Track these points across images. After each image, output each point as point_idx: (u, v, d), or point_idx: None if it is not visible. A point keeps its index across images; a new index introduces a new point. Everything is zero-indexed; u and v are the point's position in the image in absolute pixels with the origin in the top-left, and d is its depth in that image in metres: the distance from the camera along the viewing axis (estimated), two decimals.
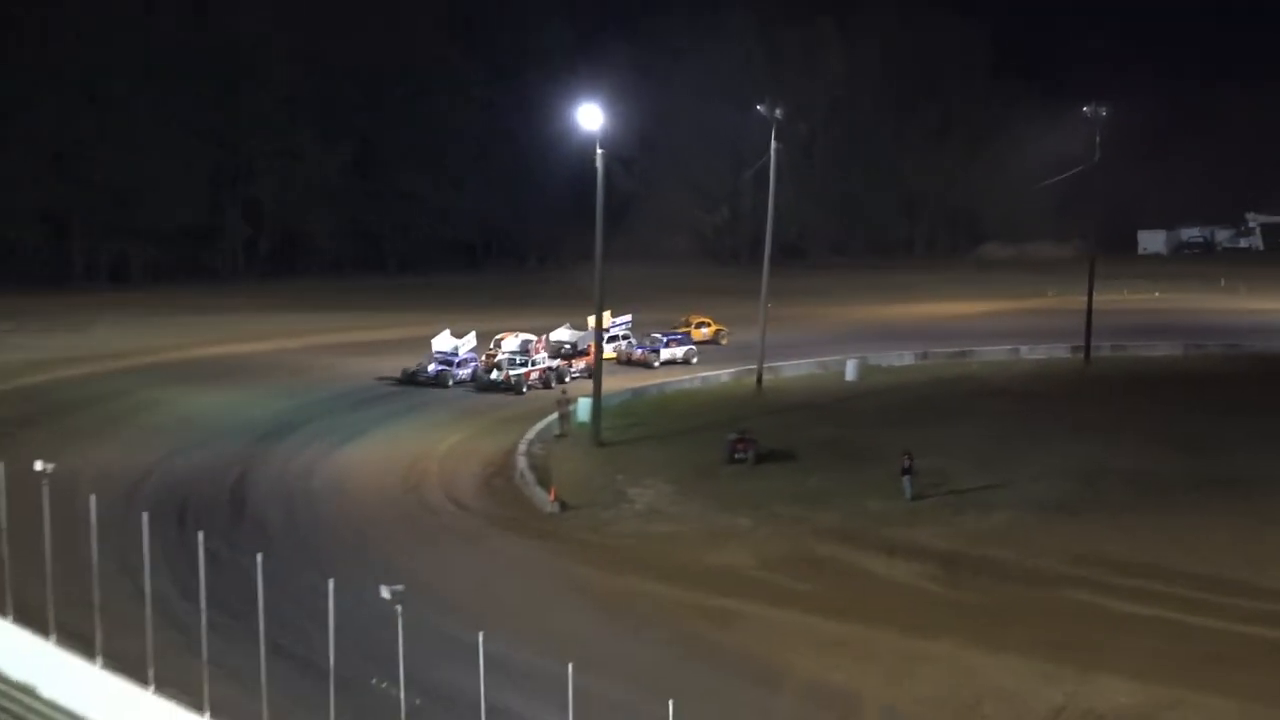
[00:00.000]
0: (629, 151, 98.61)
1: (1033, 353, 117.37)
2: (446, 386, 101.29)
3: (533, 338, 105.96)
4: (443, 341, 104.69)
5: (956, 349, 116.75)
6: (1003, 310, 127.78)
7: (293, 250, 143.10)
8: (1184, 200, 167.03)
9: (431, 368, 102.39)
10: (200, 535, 43.73)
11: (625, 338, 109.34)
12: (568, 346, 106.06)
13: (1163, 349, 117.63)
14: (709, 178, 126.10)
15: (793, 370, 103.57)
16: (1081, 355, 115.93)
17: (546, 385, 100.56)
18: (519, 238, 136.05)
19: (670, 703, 31.61)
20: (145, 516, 44.61)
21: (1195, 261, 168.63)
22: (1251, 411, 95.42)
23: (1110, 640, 54.68)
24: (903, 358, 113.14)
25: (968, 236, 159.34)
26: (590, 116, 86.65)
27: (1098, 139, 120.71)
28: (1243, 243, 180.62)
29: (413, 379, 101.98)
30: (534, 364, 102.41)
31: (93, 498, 46.40)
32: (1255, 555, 64.67)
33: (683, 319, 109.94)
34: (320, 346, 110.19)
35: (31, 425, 79.74)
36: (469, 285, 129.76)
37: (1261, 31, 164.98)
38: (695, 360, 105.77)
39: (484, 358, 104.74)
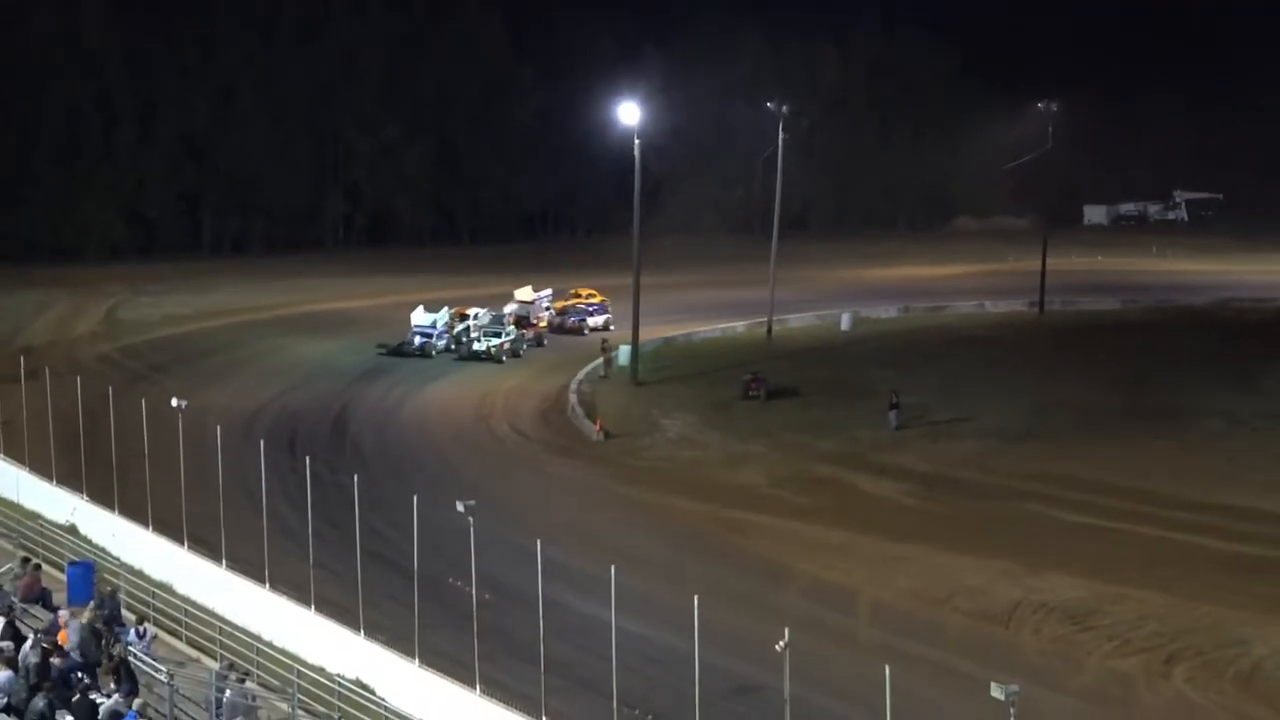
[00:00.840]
0: (661, 141, 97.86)
1: (995, 307, 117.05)
2: (430, 357, 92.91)
3: (506, 311, 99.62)
4: (419, 317, 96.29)
5: (932, 304, 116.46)
6: (971, 273, 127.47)
7: (383, 225, 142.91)
8: (1121, 179, 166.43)
9: (417, 340, 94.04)
10: (307, 459, 43.68)
11: (547, 309, 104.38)
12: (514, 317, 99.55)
13: (1104, 304, 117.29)
14: (727, 162, 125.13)
15: (797, 321, 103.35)
16: (1036, 309, 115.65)
17: (515, 354, 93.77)
18: (571, 213, 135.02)
19: (695, 597, 31.38)
20: (261, 444, 44.54)
21: (1131, 232, 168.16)
22: (1179, 355, 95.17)
23: (1061, 545, 54.69)
24: (888, 311, 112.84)
25: (942, 212, 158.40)
26: (629, 113, 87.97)
27: (1049, 129, 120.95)
28: (1170, 215, 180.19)
29: (399, 351, 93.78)
30: (507, 335, 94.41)
31: (218, 428, 46.39)
32: (1183, 474, 64.66)
33: (570, 291, 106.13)
34: (405, 304, 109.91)
35: (168, 370, 79.87)
36: (529, 252, 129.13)
37: (1188, 38, 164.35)
38: (613, 327, 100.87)
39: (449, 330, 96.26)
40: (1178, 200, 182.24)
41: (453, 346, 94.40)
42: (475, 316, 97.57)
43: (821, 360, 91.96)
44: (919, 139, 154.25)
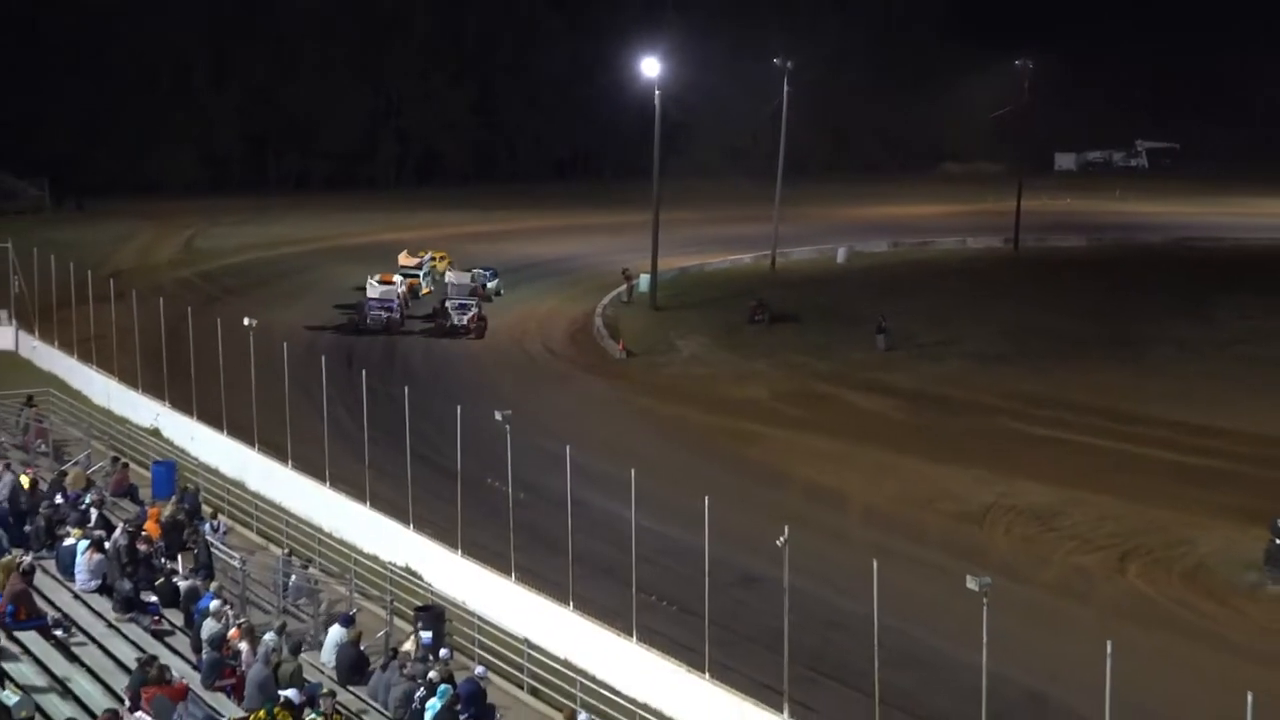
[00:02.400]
0: (679, 91, 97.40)
1: (975, 243, 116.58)
2: (391, 333, 75.30)
3: (469, 281, 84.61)
4: (373, 290, 79.62)
5: (919, 240, 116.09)
6: (954, 212, 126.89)
7: (429, 165, 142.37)
8: (1089, 129, 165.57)
9: (373, 313, 75.81)
10: (363, 373, 43.91)
11: (428, 274, 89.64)
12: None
13: (1072, 241, 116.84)
14: (739, 112, 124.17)
15: (798, 255, 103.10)
16: (1012, 245, 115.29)
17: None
18: (599, 156, 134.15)
19: (706, 498, 31.60)
20: (323, 359, 44.71)
21: (1097, 177, 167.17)
22: (1138, 288, 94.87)
23: (1030, 456, 54.88)
24: (879, 246, 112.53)
25: (930, 157, 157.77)
26: (650, 67, 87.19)
27: (1025, 84, 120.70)
28: (1132, 163, 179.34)
29: (359, 329, 75.36)
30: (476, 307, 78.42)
31: (285, 345, 46.59)
32: (1139, 394, 64.67)
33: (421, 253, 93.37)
34: (450, 236, 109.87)
35: (240, 292, 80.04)
36: (561, 192, 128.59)
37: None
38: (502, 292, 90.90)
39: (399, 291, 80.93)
40: (1139, 149, 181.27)
41: (440, 321, 77.06)
42: (449, 286, 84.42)
43: (819, 289, 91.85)
44: (910, 92, 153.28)
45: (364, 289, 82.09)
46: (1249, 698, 22.41)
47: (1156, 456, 55.00)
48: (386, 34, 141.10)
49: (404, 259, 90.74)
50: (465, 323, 76.50)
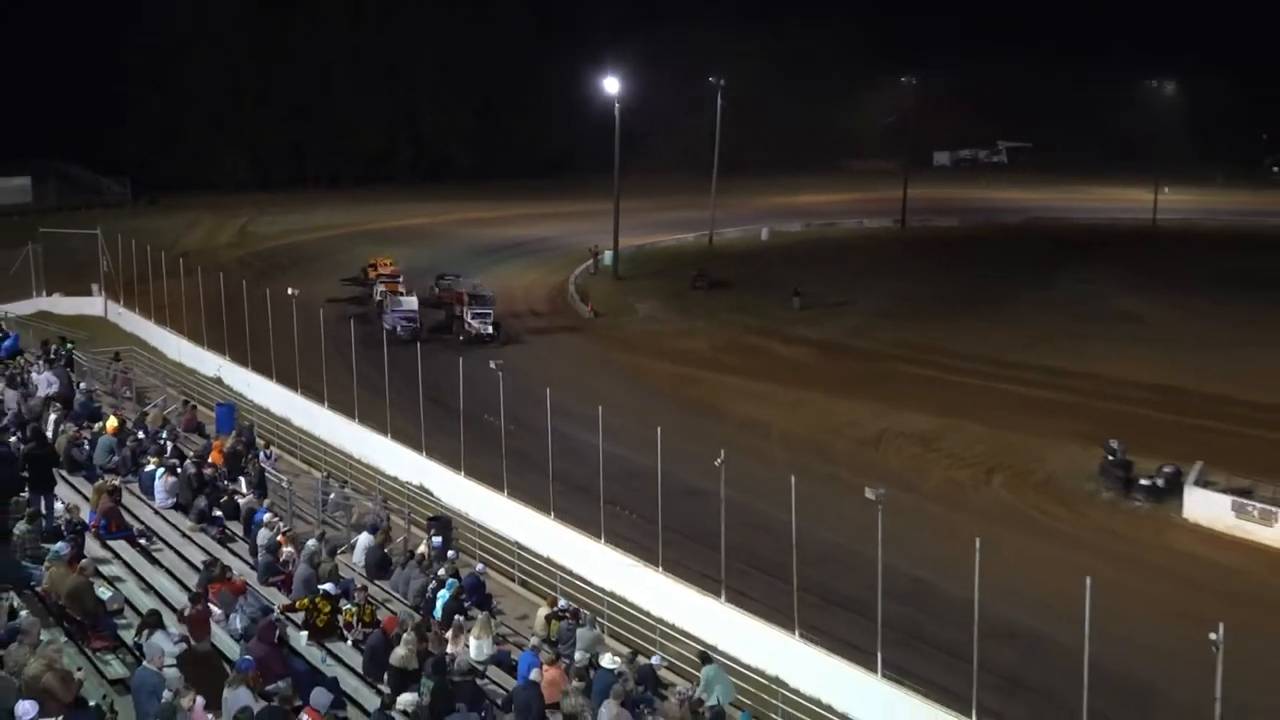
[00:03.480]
0: (637, 103, 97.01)
1: (870, 223, 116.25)
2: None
3: (488, 291, 69.54)
4: (397, 303, 65.56)
5: (826, 221, 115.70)
6: (854, 199, 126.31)
7: (440, 166, 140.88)
8: (960, 131, 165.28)
9: (400, 326, 61.90)
10: (384, 331, 43.81)
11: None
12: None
13: (948, 221, 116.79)
14: (688, 120, 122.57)
15: (730, 234, 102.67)
16: (899, 225, 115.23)
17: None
18: (576, 155, 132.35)
19: (659, 429, 31.73)
20: (352, 322, 44.49)
21: (966, 171, 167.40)
22: (1001, 258, 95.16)
23: (915, 391, 55.10)
24: (795, 227, 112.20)
25: (835, 155, 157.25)
26: (611, 84, 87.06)
27: (909, 96, 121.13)
28: (995, 159, 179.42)
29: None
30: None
31: (321, 310, 46.40)
32: (1003, 343, 64.88)
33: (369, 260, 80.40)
34: (456, 221, 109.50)
35: (285, 268, 79.21)
36: (548, 185, 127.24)
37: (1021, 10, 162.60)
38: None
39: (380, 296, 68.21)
40: (1000, 147, 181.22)
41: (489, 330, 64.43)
42: (473, 290, 68.95)
43: (747, 262, 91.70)
44: (821, 102, 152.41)
45: (370, 288, 72.23)
46: (1087, 581, 22.62)
47: (1016, 392, 55.36)
48: (404, 55, 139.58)
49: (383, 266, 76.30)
50: (491, 330, 63.86)
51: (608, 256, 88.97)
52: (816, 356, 63.40)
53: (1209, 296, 78.11)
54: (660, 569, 32.13)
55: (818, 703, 26.99)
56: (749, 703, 26.13)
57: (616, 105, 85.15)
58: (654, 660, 26.49)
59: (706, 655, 26.21)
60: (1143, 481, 42.17)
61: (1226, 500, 40.01)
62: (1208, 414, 50.94)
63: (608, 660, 24.40)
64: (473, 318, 64.42)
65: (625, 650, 26.96)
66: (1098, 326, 69.53)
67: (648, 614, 30.85)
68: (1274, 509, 39.02)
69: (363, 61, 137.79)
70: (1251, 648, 23.67)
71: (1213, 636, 20.67)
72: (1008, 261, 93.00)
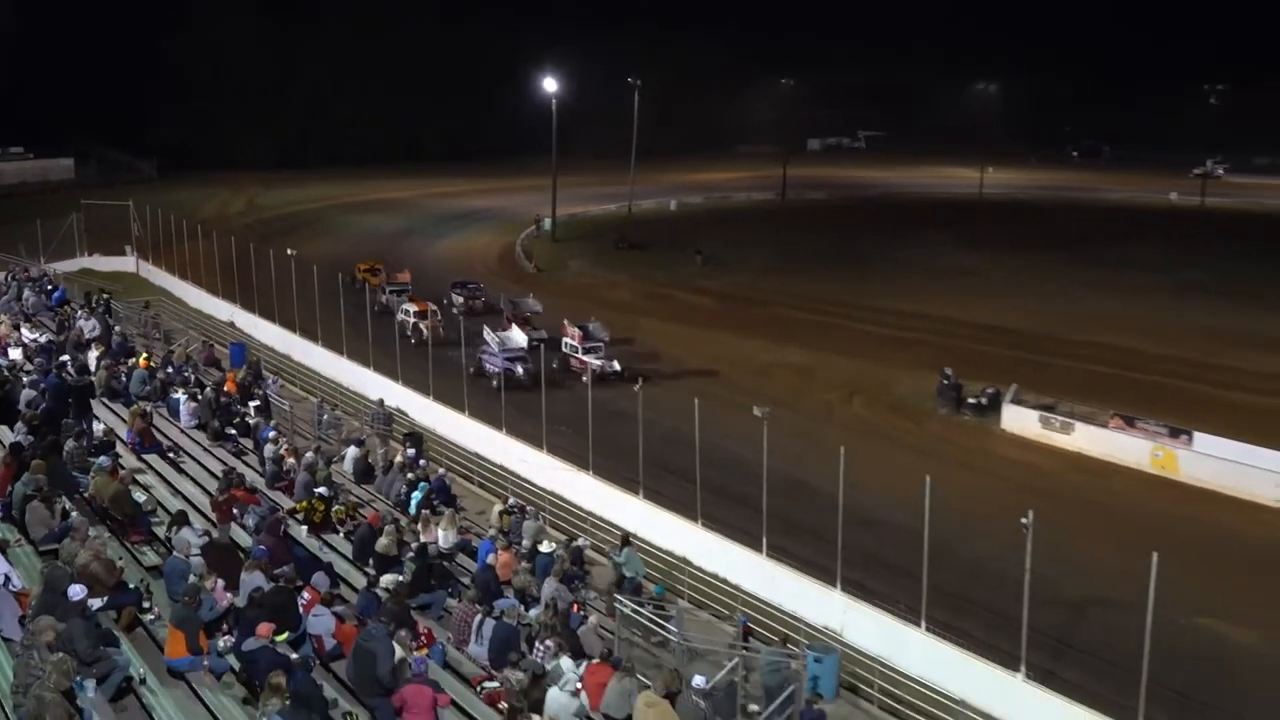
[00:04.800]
0: (573, 100, 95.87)
1: (756, 196, 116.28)
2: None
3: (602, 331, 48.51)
4: (501, 341, 46.19)
5: (721, 194, 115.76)
6: (744, 176, 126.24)
7: (413, 150, 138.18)
8: (828, 120, 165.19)
9: (519, 368, 43.64)
10: (367, 285, 43.28)
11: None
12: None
13: (819, 194, 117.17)
14: (614, 111, 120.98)
15: (646, 204, 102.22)
16: (780, 197, 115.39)
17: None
18: (529, 141, 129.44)
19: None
20: (340, 276, 43.89)
21: (833, 154, 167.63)
22: (862, 224, 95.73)
23: (795, 332, 55.42)
24: (696, 199, 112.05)
25: (732, 140, 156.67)
26: (550, 83, 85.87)
27: (789, 92, 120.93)
28: (856, 145, 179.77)
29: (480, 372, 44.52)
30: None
31: (314, 267, 45.78)
32: (869, 292, 65.49)
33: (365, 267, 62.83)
34: (427, 195, 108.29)
35: (286, 233, 77.97)
36: (501, 165, 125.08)
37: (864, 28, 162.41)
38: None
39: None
40: (860, 135, 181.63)
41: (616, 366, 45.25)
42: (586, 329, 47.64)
43: (659, 227, 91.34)
44: (717, 96, 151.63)
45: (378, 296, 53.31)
46: (927, 479, 23.01)
47: (873, 331, 55.88)
48: (392, 61, 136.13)
49: (403, 275, 60.28)
50: (618, 367, 44.91)
51: (547, 223, 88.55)
52: (715, 304, 63.58)
53: (1025, 253, 79.13)
54: (590, 473, 32.25)
55: (716, 577, 27.32)
56: (660, 578, 26.39)
57: (554, 101, 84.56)
58: (581, 542, 26.74)
59: (627, 539, 26.40)
60: (970, 400, 42.89)
61: (1035, 415, 40.81)
62: (1023, 347, 51.80)
63: (547, 546, 24.52)
64: (586, 351, 46.08)
65: (562, 538, 27.11)
66: (938, 278, 70.26)
67: (580, 508, 31.01)
68: (1071, 421, 39.86)
69: (359, 65, 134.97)
70: (1052, 529, 24.20)
71: (1024, 521, 21.14)
72: (868, 227, 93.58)
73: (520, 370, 43.63)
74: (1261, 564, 29.54)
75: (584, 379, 41.40)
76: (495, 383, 42.36)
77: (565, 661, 18.85)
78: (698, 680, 18.36)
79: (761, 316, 59.64)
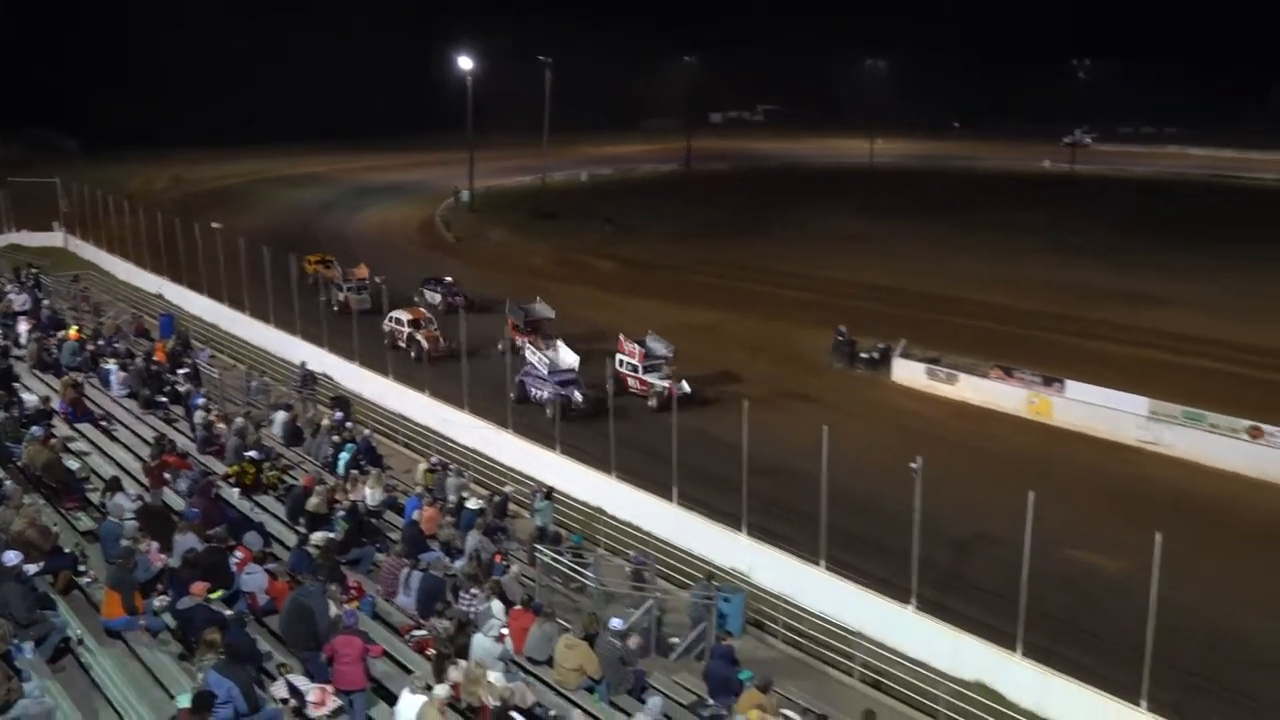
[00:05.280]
0: (491, 78, 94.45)
1: (663, 167, 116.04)
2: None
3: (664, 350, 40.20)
4: (563, 354, 38.92)
5: (630, 166, 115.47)
6: (651, 149, 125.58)
7: (334, 127, 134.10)
8: (729, 94, 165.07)
9: (575, 393, 35.86)
10: (291, 256, 42.44)
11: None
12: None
13: (721, 165, 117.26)
14: (528, 88, 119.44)
15: (559, 176, 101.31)
16: (685, 167, 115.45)
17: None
18: (450, 117, 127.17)
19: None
20: (265, 250, 42.97)
21: (735, 127, 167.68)
22: (763, 193, 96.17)
23: (702, 294, 55.63)
24: (607, 170, 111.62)
25: (639, 115, 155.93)
26: (465, 61, 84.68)
27: (693, 69, 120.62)
28: (757, 118, 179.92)
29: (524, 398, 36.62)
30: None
31: (241, 239, 44.79)
32: (769, 256, 65.85)
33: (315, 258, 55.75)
34: (349, 169, 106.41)
35: (208, 207, 75.96)
36: (424, 141, 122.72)
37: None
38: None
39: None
40: (760, 109, 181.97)
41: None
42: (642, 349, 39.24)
43: (571, 198, 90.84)
44: (626, 73, 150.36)
45: (332, 290, 48.42)
46: (824, 429, 23.31)
47: (775, 293, 56.23)
48: (313, 37, 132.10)
49: (360, 271, 51.46)
50: (688, 388, 35.91)
51: (465, 195, 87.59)
52: (626, 269, 63.39)
53: (913, 218, 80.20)
54: (510, 430, 32.13)
55: (630, 524, 27.43)
56: (579, 528, 26.42)
57: (469, 79, 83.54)
58: (507, 490, 26.73)
59: (549, 492, 26.39)
60: (862, 355, 43.55)
61: (922, 367, 41.52)
62: (911, 305, 52.52)
63: (472, 502, 24.42)
64: (647, 370, 38.25)
65: (484, 493, 26.99)
66: (834, 243, 70.91)
67: (501, 464, 30.88)
68: (955, 372, 40.65)
69: (280, 43, 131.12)
70: (939, 472, 24.66)
71: (913, 465, 21.52)
72: (768, 196, 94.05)
73: (579, 397, 35.76)
74: (1127, 499, 30.47)
75: (650, 404, 36.58)
76: (550, 411, 34.32)
77: (495, 605, 18.88)
78: (615, 623, 18.49)
79: (669, 281, 59.63)
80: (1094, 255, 65.51)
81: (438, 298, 51.31)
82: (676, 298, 54.78)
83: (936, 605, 22.55)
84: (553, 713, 16.28)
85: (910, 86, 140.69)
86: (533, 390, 36.91)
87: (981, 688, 20.54)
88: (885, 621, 22.29)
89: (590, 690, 17.56)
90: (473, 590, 19.19)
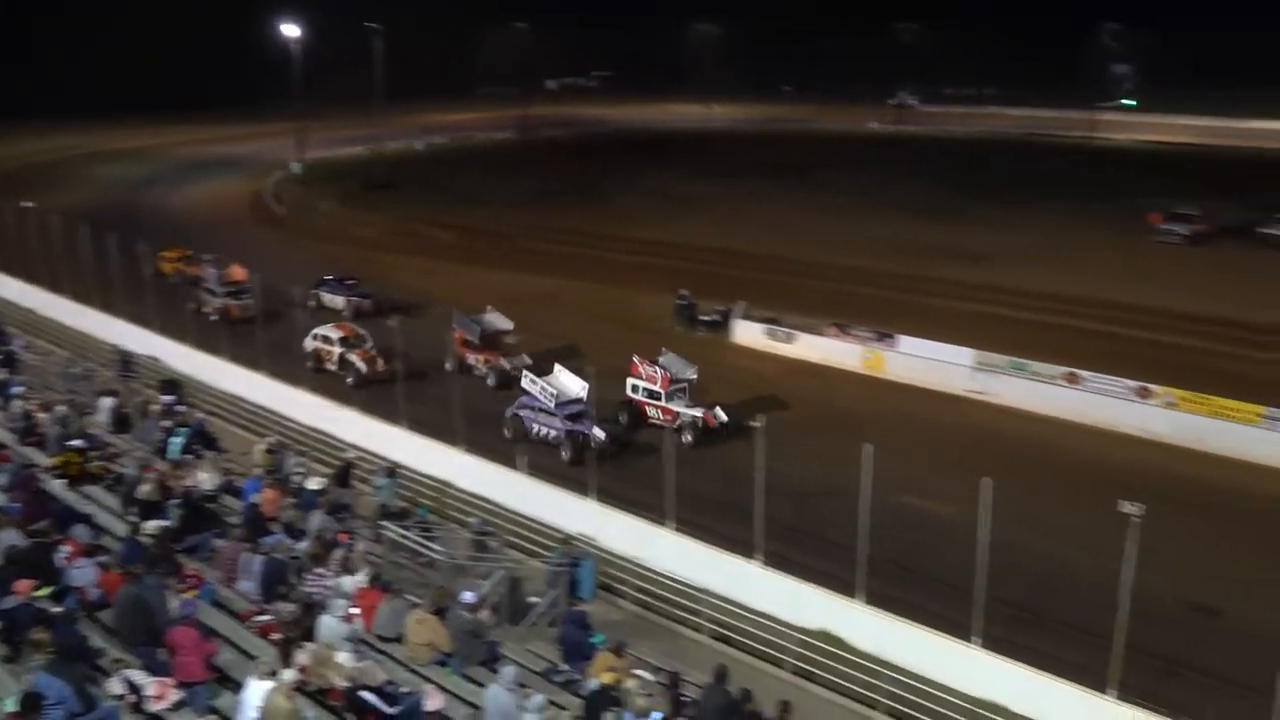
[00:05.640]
0: (323, 46, 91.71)
1: (498, 135, 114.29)
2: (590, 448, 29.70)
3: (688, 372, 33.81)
4: (565, 378, 31.58)
5: (465, 134, 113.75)
6: (487, 116, 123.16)
7: (153, 101, 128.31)
8: (562, 63, 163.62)
9: (593, 429, 30.11)
10: (114, 236, 40.46)
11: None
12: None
13: (557, 132, 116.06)
14: (359, 56, 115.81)
15: (394, 146, 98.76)
16: (520, 135, 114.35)
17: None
18: (282, 89, 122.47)
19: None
20: (85, 229, 40.90)
21: (568, 94, 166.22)
22: (606, 157, 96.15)
23: (545, 263, 55.43)
24: (442, 139, 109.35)
25: (474, 83, 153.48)
26: (291, 28, 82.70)
27: (528, 36, 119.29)
28: (589, 84, 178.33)
29: (523, 435, 31.15)
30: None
31: (57, 217, 42.52)
32: (609, 221, 65.94)
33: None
34: (172, 143, 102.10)
35: (19, 186, 71.83)
36: (254, 113, 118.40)
37: None
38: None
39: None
40: (594, 75, 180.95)
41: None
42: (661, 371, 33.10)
43: (406, 167, 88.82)
44: (458, 42, 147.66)
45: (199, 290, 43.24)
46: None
47: (616, 259, 56.35)
48: (142, 8, 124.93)
49: (236, 272, 43.86)
50: (724, 416, 31.98)
51: (296, 167, 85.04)
52: (464, 238, 62.57)
53: (750, 181, 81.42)
54: (354, 408, 31.53)
55: (477, 496, 27.28)
56: (426, 501, 26.15)
57: (295, 47, 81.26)
58: (349, 456, 26.66)
59: (391, 470, 26.01)
60: (702, 318, 44.22)
61: (761, 328, 42.42)
62: (749, 267, 53.40)
63: (313, 482, 23.87)
64: (671, 397, 32.64)
65: (327, 472, 26.43)
66: (672, 207, 71.46)
67: (345, 441, 30.28)
68: (793, 331, 41.66)
69: (93, 14, 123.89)
70: (781, 428, 25.24)
71: (754, 424, 21.95)
72: (606, 161, 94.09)
73: (599, 434, 30.05)
74: (958, 446, 31.79)
75: (685, 438, 31.09)
76: (566, 454, 29.99)
77: (346, 580, 18.54)
78: (466, 595, 18.40)
79: (508, 249, 59.12)
80: (921, 213, 67.72)
81: (340, 301, 44.90)
82: (516, 266, 54.43)
83: (782, 559, 23.12)
84: (404, 689, 16.13)
85: (741, 52, 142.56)
86: (535, 427, 31.18)
87: (825, 635, 21.22)
88: (733, 578, 22.75)
89: (443, 664, 17.46)
90: (318, 570, 18.80)
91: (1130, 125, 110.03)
